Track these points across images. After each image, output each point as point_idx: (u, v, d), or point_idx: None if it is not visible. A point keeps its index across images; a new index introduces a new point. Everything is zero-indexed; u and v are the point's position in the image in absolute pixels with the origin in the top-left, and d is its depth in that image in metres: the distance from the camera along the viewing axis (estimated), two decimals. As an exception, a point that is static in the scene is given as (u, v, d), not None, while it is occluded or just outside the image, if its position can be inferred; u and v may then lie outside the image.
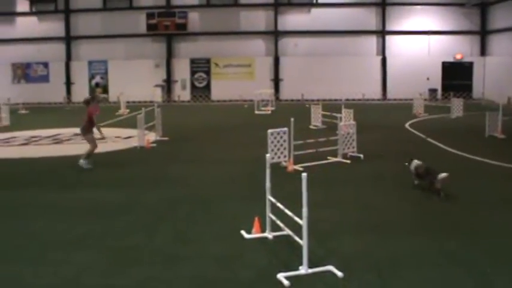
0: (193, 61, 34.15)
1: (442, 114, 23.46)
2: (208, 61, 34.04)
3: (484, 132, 16.30)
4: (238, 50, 33.62)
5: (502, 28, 30.30)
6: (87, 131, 12.06)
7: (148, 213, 8.27)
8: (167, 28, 33.13)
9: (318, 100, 29.11)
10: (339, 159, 12.53)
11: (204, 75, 34.19)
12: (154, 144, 15.56)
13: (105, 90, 34.09)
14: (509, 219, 7.70)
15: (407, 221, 7.68)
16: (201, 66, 34.12)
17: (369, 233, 7.18)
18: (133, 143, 15.50)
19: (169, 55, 34.19)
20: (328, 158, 12.60)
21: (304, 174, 5.39)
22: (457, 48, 32.97)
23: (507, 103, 26.84)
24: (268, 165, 6.58)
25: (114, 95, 32.22)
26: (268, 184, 6.66)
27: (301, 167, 11.55)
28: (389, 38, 33.20)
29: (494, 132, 16.30)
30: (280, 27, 33.44)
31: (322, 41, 33.31)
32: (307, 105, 24.71)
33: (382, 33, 33.10)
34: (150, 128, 16.60)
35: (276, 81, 33.61)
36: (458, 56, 32.94)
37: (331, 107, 21.47)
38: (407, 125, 19.74)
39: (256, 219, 7.00)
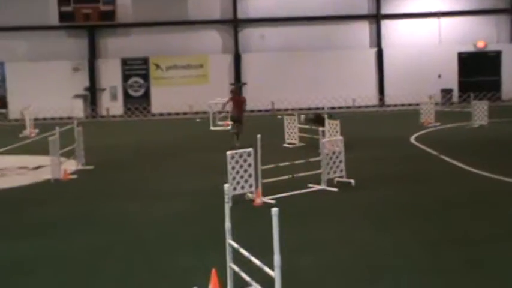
0: (125, 62, 34.10)
1: (460, 122, 24.09)
2: (146, 61, 34.04)
3: (519, 146, 16.82)
4: (187, 46, 33.79)
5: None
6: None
7: (63, 272, 8.15)
8: (88, 18, 33.06)
9: (293, 110, 29.43)
10: (322, 186, 12.64)
11: (141, 80, 34.15)
12: (75, 176, 15.43)
13: (1, 103, 33.59)
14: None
15: (410, 264, 7.80)
16: (136, 69, 34.10)
17: (365, 283, 7.27)
18: (45, 174, 15.31)
19: (93, 54, 34.05)
20: (309, 185, 12.70)
21: (274, 210, 5.44)
22: (479, 34, 33.85)
23: None
24: (227, 199, 6.61)
25: (16, 109, 31.77)
26: (228, 224, 6.68)
27: (273, 199, 11.60)
28: (385, 24, 33.96)
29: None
30: (240, 15, 33.82)
31: (298, 31, 33.82)
32: (279, 117, 24.93)
33: (376, 17, 33.86)
34: (69, 154, 16.42)
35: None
36: (481, 44, 33.78)
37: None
38: (413, 139, 20.15)
39: (214, 272, 6.99)
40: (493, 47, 33.81)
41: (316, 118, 19.54)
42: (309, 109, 31.48)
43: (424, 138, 20.20)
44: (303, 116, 18.67)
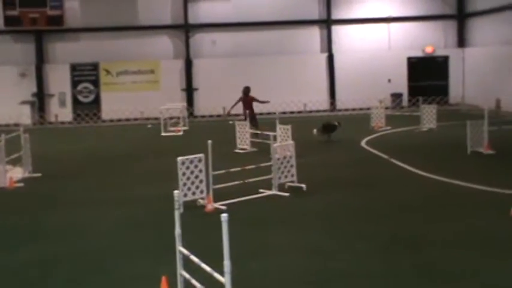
0: (74, 67, 33.62)
1: (410, 126, 24.47)
2: (95, 67, 33.63)
3: (466, 148, 17.07)
4: (137, 51, 33.52)
5: (485, 9, 31.54)
6: None
7: (7, 286, 7.98)
8: (35, 22, 32.47)
9: (244, 115, 29.43)
10: (274, 191, 12.71)
11: (90, 86, 33.71)
12: (21, 184, 15.16)
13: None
14: None
15: (361, 269, 7.88)
16: (86, 75, 33.66)
17: (316, 288, 7.32)
18: (-9, 183, 14.99)
19: (40, 60, 33.47)
20: (261, 190, 12.75)
21: (224, 216, 5.45)
22: (427, 39, 34.48)
23: (495, 108, 28.30)
24: (177, 205, 6.58)
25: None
26: (178, 231, 6.65)
27: (224, 204, 11.63)
28: (336, 29, 34.31)
29: (479, 147, 17.10)
30: (192, 20, 33.75)
31: (249, 37, 33.94)
32: (230, 122, 24.96)
33: (327, 22, 34.18)
34: (15, 162, 16.15)
35: (189, 91, 33.74)
36: (429, 49, 34.44)
37: (263, 123, 21.81)
38: (363, 143, 20.43)
39: (164, 279, 6.94)
40: (440, 52, 34.50)
41: (324, 127, 21.44)
42: (261, 114, 31.57)
43: (375, 142, 20.48)
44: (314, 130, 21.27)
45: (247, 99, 21.33)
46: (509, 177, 13.58)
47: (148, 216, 11.30)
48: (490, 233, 9.34)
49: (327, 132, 21.31)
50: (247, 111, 21.16)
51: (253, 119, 21.08)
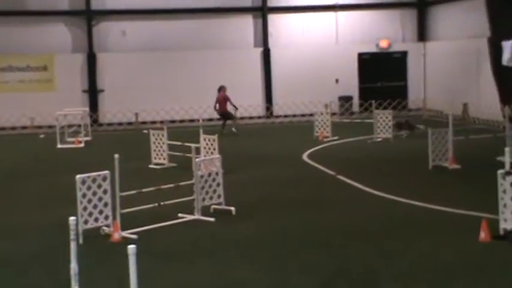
0: None
1: (361, 136, 24.74)
2: (-29, 61, 32.90)
3: (427, 162, 17.39)
4: (25, 42, 32.89)
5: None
6: None
7: None
8: None
9: (162, 122, 29.34)
10: (196, 216, 12.69)
11: (-36, 85, 32.95)
12: None
13: None
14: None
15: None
16: (-43, 71, 32.88)
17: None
18: None
19: None
20: (180, 215, 12.71)
21: (132, 247, 5.43)
22: (381, 31, 34.94)
23: (462, 113, 29.00)
24: (73, 235, 6.51)
25: None
26: (74, 267, 6.58)
27: (134, 233, 11.55)
28: (273, 19, 34.55)
29: (443, 161, 17.49)
30: (95, 5, 33.40)
31: (167, 27, 33.81)
32: (144, 131, 24.81)
33: (262, 10, 34.38)
34: None
35: (93, 93, 33.37)
36: (384, 44, 34.93)
37: (184, 132, 21.77)
38: (305, 156, 20.62)
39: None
40: (397, 47, 35.08)
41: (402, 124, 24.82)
42: (182, 121, 31.55)
43: (319, 156, 20.69)
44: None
45: (219, 96, 26.80)
46: (477, 197, 13.90)
47: (35, 251, 11.01)
48: (456, 264, 9.58)
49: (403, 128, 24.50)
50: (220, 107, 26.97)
51: (226, 114, 27.25)
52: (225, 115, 27.42)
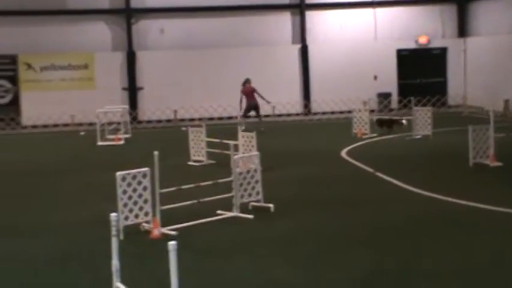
0: (-14, 60, 33.30)
1: (400, 133, 24.60)
2: (14, 60, 33.30)
3: (468, 159, 17.24)
4: (66, 41, 33.24)
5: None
6: None
7: None
8: None
9: (200, 120, 29.43)
10: (235, 213, 12.73)
11: (7, 84, 33.38)
12: None
13: None
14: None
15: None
16: (1, 69, 33.32)
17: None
18: None
19: None
20: (219, 212, 12.76)
21: (172, 244, 5.50)
22: (420, 28, 34.74)
23: (503, 110, 28.71)
24: (114, 231, 6.61)
25: None
26: (116, 263, 6.67)
27: (174, 229, 11.60)
28: (311, 16, 34.50)
29: (484, 158, 17.31)
30: (135, 3, 33.62)
31: (205, 24, 33.91)
32: (183, 129, 24.92)
33: (299, 7, 34.35)
34: None
35: (132, 91, 33.63)
36: (423, 40, 34.72)
37: (223, 130, 21.82)
38: (344, 153, 20.57)
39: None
40: (437, 43, 34.82)
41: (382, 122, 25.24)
42: (220, 118, 31.66)
43: (357, 153, 20.64)
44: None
45: (245, 89, 27.74)
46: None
47: (76, 247, 11.13)
48: (497, 263, 9.47)
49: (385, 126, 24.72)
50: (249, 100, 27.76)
51: (257, 107, 27.93)
52: (255, 107, 27.75)
